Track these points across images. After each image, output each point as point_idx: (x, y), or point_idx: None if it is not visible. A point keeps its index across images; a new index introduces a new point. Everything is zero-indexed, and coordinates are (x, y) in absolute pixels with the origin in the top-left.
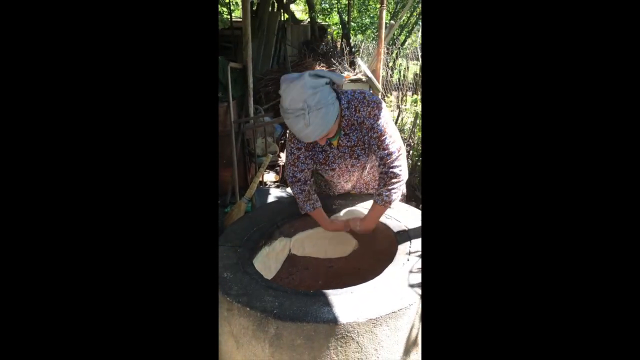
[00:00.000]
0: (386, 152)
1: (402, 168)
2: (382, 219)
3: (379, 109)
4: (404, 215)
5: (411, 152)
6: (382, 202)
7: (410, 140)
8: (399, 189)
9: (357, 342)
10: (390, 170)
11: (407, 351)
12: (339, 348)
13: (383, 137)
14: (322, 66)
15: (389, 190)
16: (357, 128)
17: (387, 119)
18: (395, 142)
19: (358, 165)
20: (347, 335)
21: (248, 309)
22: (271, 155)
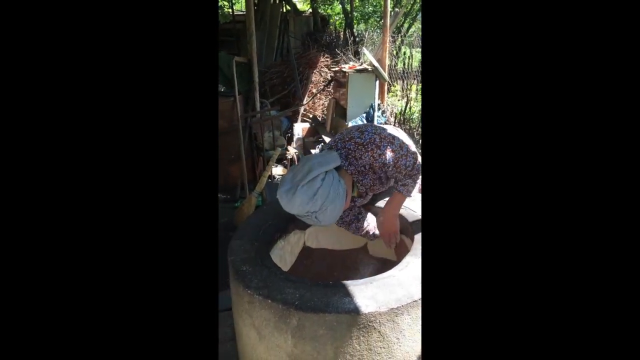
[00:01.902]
0: (408, 168)
1: (417, 160)
2: None
3: (377, 145)
4: (418, 205)
5: (420, 141)
6: (407, 192)
7: (419, 129)
8: (419, 179)
9: (379, 332)
10: (416, 171)
11: None
12: (361, 338)
13: (399, 164)
14: (327, 57)
15: (413, 180)
16: (368, 171)
17: (390, 143)
18: (407, 156)
19: (382, 189)
20: (369, 325)
21: (269, 301)
22: (280, 149)
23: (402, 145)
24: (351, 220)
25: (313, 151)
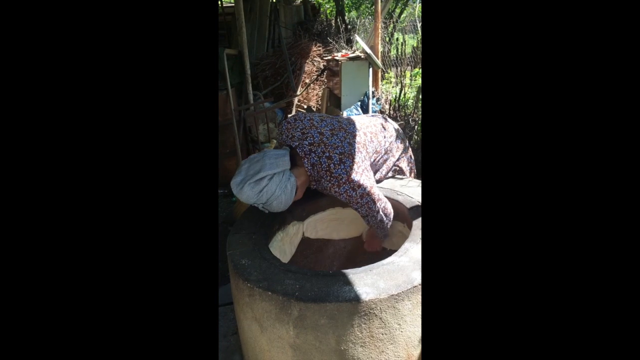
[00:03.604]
0: (362, 214)
1: (376, 216)
2: (394, 196)
3: (338, 184)
4: (416, 191)
5: (416, 127)
6: (378, 233)
7: (414, 115)
8: (384, 225)
9: (381, 318)
10: (367, 221)
11: None
12: (362, 325)
13: (352, 207)
14: (319, 46)
15: (376, 228)
16: (324, 189)
17: (351, 189)
18: (361, 206)
19: None
20: (370, 312)
21: (269, 293)
22: (275, 141)
23: (363, 195)
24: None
25: None
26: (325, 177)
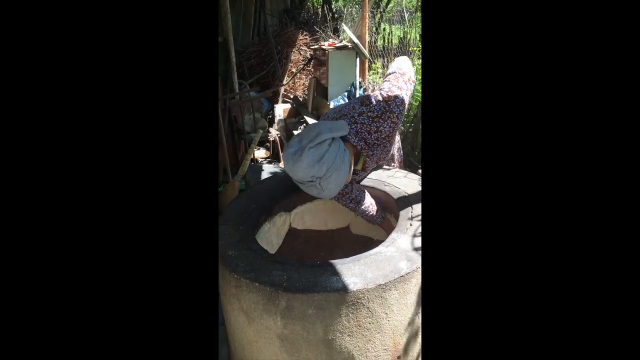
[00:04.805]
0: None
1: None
2: (381, 187)
3: (391, 110)
4: (402, 182)
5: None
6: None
7: None
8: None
9: (368, 308)
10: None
11: (416, 312)
12: (350, 315)
13: (409, 94)
14: (305, 35)
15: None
16: (381, 142)
17: (395, 97)
18: (411, 82)
19: (386, 158)
20: (358, 302)
21: (257, 284)
22: (261, 131)
23: (407, 81)
24: (358, 198)
25: (295, 132)
26: (376, 124)
